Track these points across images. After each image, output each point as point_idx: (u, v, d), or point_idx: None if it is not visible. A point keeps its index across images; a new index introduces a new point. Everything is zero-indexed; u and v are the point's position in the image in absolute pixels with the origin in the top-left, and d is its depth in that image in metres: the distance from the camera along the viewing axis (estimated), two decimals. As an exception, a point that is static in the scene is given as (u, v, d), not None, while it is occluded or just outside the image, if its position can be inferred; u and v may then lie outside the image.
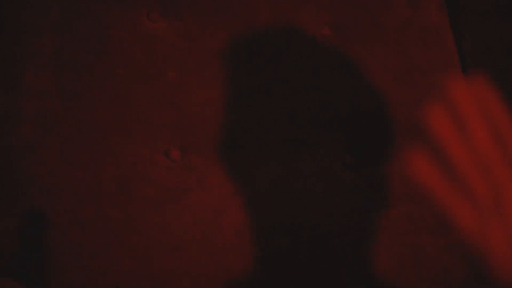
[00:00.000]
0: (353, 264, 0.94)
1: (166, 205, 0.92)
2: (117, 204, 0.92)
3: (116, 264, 0.90)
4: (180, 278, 0.91)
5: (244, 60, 0.96)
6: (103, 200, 0.92)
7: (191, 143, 0.94)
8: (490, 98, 0.50)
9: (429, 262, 0.95)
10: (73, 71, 0.93)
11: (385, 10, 1.00)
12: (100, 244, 0.91)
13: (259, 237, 0.93)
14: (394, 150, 0.96)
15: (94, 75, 0.93)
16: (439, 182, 0.49)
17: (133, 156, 0.92)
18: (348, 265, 0.94)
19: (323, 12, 0.98)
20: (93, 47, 0.94)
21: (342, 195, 0.95)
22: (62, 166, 0.91)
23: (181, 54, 0.95)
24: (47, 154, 0.92)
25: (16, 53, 0.93)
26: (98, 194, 0.92)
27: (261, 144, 0.95)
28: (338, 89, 0.97)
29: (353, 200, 0.95)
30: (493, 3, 1.01)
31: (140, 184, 0.92)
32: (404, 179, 0.96)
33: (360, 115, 0.97)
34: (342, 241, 0.94)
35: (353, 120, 0.97)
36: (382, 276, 0.94)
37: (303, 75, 0.97)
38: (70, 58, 0.94)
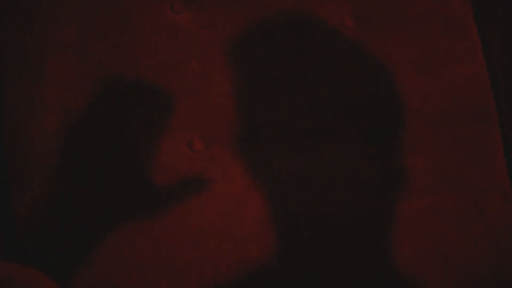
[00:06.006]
0: (376, 255, 0.94)
1: (188, 196, 0.92)
2: (140, 195, 0.92)
3: (139, 254, 0.91)
4: (202, 268, 0.91)
5: (266, 51, 0.96)
6: (125, 189, 0.92)
7: (214, 134, 0.94)
8: None
9: (453, 254, 0.95)
10: (96, 62, 0.94)
11: (408, 0, 0.99)
12: (123, 234, 0.91)
13: (281, 227, 0.93)
14: (417, 141, 0.96)
15: (117, 67, 0.94)
16: None
17: (156, 147, 0.93)
18: (371, 256, 0.94)
19: (345, 2, 0.98)
20: (116, 38, 0.94)
21: (364, 185, 0.95)
22: (85, 157, 0.92)
23: (204, 45, 0.95)
24: (70, 145, 0.92)
25: (39, 45, 0.93)
26: (120, 185, 0.92)
27: (283, 135, 0.95)
28: (360, 79, 0.97)
29: (376, 190, 0.95)
30: (518, -7, 1.00)
31: (163, 175, 0.92)
32: (427, 170, 0.96)
33: (383, 105, 0.97)
34: (364, 231, 0.94)
35: (376, 111, 0.97)
36: (406, 268, 0.94)
37: (325, 66, 0.97)
38: (93, 49, 0.94)
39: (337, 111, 0.96)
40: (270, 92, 0.96)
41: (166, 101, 0.94)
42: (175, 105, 0.94)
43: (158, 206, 0.92)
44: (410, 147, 0.96)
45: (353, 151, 0.96)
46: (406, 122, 0.96)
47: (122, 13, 0.95)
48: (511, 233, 0.96)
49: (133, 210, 0.92)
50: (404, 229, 0.94)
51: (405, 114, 0.96)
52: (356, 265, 0.93)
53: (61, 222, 0.91)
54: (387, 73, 0.97)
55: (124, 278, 0.90)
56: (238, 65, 0.95)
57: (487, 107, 0.99)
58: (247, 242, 0.92)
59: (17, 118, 0.92)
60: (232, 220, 0.93)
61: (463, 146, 0.97)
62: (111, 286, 0.90)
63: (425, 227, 0.95)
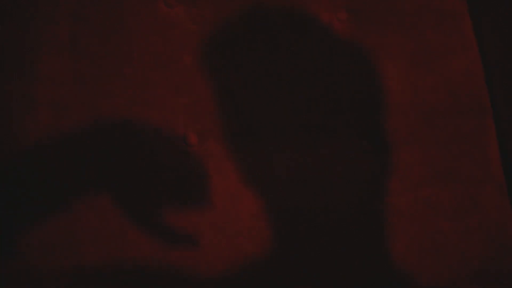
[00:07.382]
0: (371, 249, 0.94)
1: (182, 191, 0.92)
2: (134, 190, 0.92)
3: (133, 249, 0.91)
4: (197, 263, 0.91)
5: (260, 45, 0.96)
6: (120, 185, 0.92)
7: (208, 128, 0.94)
8: None
9: (448, 247, 0.95)
10: (89, 57, 0.93)
11: (402, -6, 0.99)
12: (117, 229, 0.91)
13: (276, 222, 0.93)
14: (412, 135, 0.96)
15: (110, 61, 0.93)
16: None
17: (151, 142, 0.92)
18: (366, 250, 0.94)
19: (339, -4, 0.98)
20: (109, 33, 0.94)
21: (359, 180, 0.95)
22: (78, 152, 0.92)
23: (197, 39, 0.95)
24: (63, 140, 0.92)
25: (33, 40, 0.93)
26: (114, 180, 0.92)
27: (278, 130, 0.95)
28: (354, 74, 0.97)
29: (371, 185, 0.95)
30: (511, -14, 1.00)
31: (156, 170, 0.92)
32: (422, 163, 0.96)
33: (377, 100, 0.97)
34: (360, 226, 0.94)
35: (370, 105, 0.97)
36: (401, 262, 0.94)
37: (318, 60, 0.96)
38: (86, 44, 0.94)
39: (332, 106, 0.96)
40: (264, 87, 0.95)
41: (160, 95, 0.93)
42: (168, 99, 0.94)
43: (151, 201, 0.92)
44: (405, 141, 0.96)
45: (348, 145, 0.96)
46: (400, 116, 0.96)
47: (115, 8, 0.94)
48: (505, 226, 0.97)
49: (127, 206, 0.92)
50: (399, 223, 0.95)
51: (399, 108, 0.96)
52: (350, 259, 0.93)
53: (55, 217, 0.91)
54: (381, 67, 0.97)
55: (119, 273, 0.90)
56: (231, 60, 0.95)
57: (481, 100, 0.99)
58: (241, 236, 0.92)
59: (11, 114, 0.92)
60: (227, 214, 0.93)
61: (457, 139, 0.97)
62: (105, 281, 0.90)
63: (419, 220, 0.95)
